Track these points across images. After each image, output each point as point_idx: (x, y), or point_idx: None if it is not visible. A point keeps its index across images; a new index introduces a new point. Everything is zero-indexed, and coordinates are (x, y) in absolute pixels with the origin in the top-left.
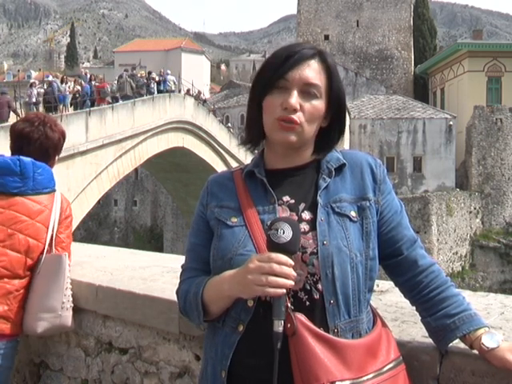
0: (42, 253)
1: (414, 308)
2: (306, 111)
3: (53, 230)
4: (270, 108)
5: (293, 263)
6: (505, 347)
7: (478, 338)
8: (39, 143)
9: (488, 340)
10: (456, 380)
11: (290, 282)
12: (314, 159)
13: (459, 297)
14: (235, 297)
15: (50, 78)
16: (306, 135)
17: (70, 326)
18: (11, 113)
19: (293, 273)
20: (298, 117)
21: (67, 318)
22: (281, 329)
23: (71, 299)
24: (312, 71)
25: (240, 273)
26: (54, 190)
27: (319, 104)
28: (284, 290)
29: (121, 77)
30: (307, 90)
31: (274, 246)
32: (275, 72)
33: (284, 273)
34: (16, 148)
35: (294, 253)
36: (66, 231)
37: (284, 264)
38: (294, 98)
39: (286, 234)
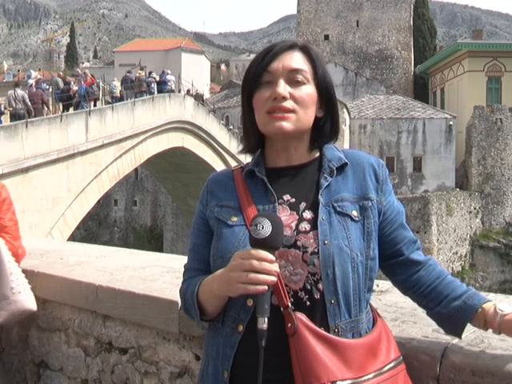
0: None
1: (415, 308)
2: (297, 98)
3: None
4: (260, 103)
5: (274, 259)
6: None
7: (491, 308)
8: None
9: (504, 306)
10: (456, 380)
11: (272, 278)
12: (315, 158)
13: (457, 281)
14: (225, 295)
15: (59, 79)
16: (301, 122)
17: (32, 308)
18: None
19: (274, 268)
20: (291, 105)
21: (23, 301)
22: (265, 326)
23: (25, 281)
24: (294, 58)
25: (225, 271)
26: None
27: (309, 89)
28: (265, 287)
29: (127, 78)
30: (293, 77)
31: (255, 241)
32: (258, 68)
33: (264, 269)
34: None
35: (275, 248)
36: (6, 215)
37: (264, 260)
38: (281, 87)
39: (265, 229)
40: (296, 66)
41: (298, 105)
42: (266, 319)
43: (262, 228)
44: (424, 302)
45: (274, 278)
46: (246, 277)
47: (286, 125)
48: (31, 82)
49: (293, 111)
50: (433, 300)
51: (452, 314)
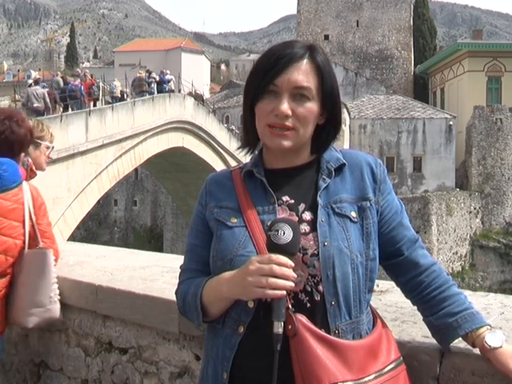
0: (22, 249)
1: (415, 308)
2: (299, 115)
3: (32, 224)
4: (262, 114)
5: (293, 264)
6: (508, 351)
7: (481, 336)
8: (4, 137)
9: (491, 338)
10: (456, 380)
11: (290, 284)
12: (314, 159)
13: (461, 296)
14: (234, 299)
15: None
16: (301, 139)
17: (59, 317)
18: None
19: (293, 274)
20: (291, 123)
21: (55, 310)
22: (281, 330)
23: (58, 292)
24: (301, 74)
25: (239, 274)
26: (21, 183)
27: (312, 106)
28: (284, 292)
29: (135, 79)
30: (298, 93)
31: (274, 247)
32: (264, 77)
33: (284, 274)
34: None
35: (294, 254)
36: (44, 220)
37: (284, 265)
38: (285, 104)
39: (286, 235)
40: (302, 84)
41: (299, 122)
42: (282, 323)
43: (284, 234)
44: (421, 308)
45: (293, 284)
46: (266, 281)
47: (285, 142)
48: (30, 81)
49: (293, 129)
50: (429, 309)
51: (442, 328)
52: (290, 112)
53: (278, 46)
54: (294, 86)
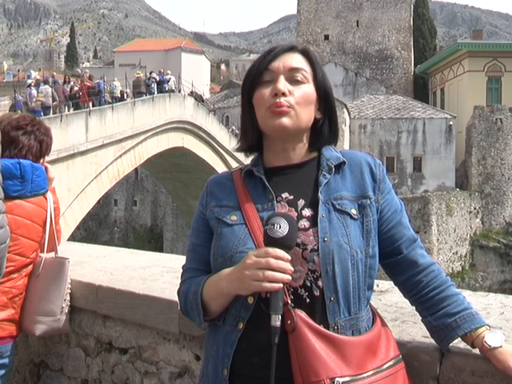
0: (40, 252)
1: (414, 308)
2: (296, 95)
3: (51, 229)
4: (261, 100)
5: (289, 258)
6: (508, 350)
7: (480, 336)
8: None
9: (491, 338)
10: (456, 380)
11: (287, 277)
12: (314, 157)
13: (459, 296)
14: (234, 294)
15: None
16: (300, 119)
17: (67, 328)
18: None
19: (290, 267)
20: (288, 100)
21: (65, 322)
22: (278, 323)
23: (69, 303)
24: (294, 58)
25: (237, 269)
26: (47, 191)
27: (308, 88)
28: (281, 285)
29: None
30: (294, 76)
31: (271, 240)
32: (259, 66)
33: (281, 267)
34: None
35: (290, 248)
36: (58, 222)
37: (281, 258)
38: (282, 83)
39: (282, 228)
40: (296, 65)
41: (297, 101)
42: (280, 317)
43: (280, 227)
44: (419, 308)
45: (290, 277)
46: (263, 274)
47: (286, 120)
48: (30, 81)
49: (292, 107)
50: (427, 309)
51: (440, 328)
52: (286, 90)
53: (267, 49)
54: (289, 68)
